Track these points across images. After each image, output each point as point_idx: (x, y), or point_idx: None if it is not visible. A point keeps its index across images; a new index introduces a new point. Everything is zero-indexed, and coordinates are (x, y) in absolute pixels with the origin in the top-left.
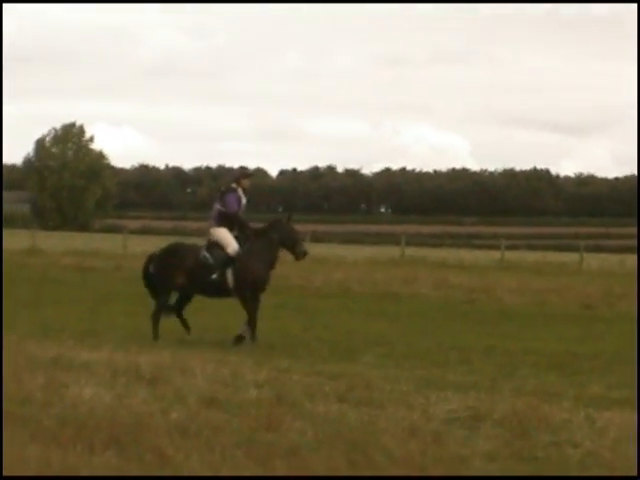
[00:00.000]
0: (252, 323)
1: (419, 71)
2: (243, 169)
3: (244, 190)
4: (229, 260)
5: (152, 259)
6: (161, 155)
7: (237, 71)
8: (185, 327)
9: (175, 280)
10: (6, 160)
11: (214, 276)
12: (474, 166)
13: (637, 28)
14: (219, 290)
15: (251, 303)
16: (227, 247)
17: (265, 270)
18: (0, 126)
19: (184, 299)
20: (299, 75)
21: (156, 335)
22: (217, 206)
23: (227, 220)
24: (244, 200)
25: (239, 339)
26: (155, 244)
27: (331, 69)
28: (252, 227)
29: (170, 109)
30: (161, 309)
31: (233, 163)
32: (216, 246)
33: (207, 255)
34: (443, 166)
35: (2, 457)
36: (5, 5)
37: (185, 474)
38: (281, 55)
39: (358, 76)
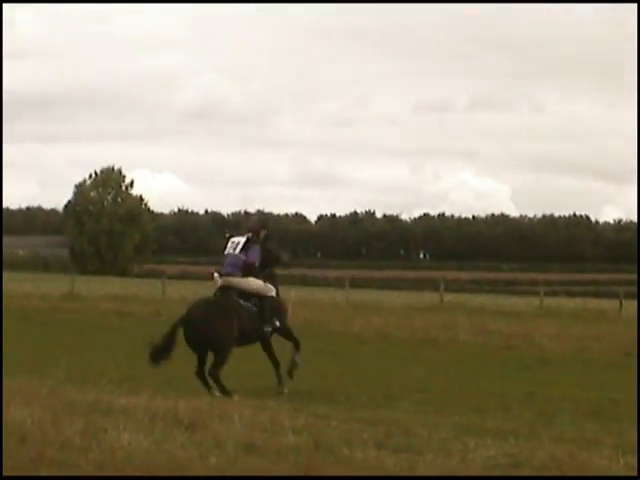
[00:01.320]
0: (298, 345)
1: (461, 116)
2: (262, 218)
3: (259, 239)
4: (275, 306)
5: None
6: (200, 200)
7: (278, 115)
8: (207, 386)
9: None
10: (47, 205)
11: (271, 327)
12: (514, 212)
13: (637, 28)
14: (265, 337)
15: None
16: (269, 292)
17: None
18: (0, 171)
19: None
20: (340, 120)
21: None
22: (242, 257)
23: (251, 270)
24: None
25: (294, 365)
26: (193, 289)
27: (373, 114)
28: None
29: (210, 153)
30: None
31: (272, 208)
32: (255, 296)
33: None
34: (483, 212)
35: (2, 457)
36: (49, 50)
37: None
38: (322, 100)
39: (400, 121)
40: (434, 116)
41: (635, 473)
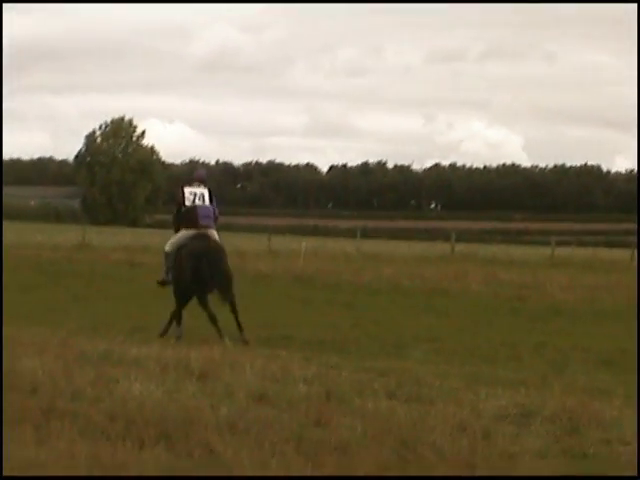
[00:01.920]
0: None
1: (473, 66)
2: (206, 170)
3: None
4: None
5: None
6: (212, 150)
7: (290, 66)
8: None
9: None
10: (58, 156)
11: None
12: (526, 162)
13: (637, 28)
14: None
15: None
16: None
17: None
18: (0, 124)
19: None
20: (352, 70)
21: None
22: (211, 208)
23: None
24: None
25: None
26: None
27: (385, 64)
28: None
29: (222, 104)
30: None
31: (283, 159)
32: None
33: None
34: (495, 162)
35: (2, 457)
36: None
37: (234, 469)
38: (334, 50)
39: (412, 71)
40: (447, 66)
41: (634, 471)
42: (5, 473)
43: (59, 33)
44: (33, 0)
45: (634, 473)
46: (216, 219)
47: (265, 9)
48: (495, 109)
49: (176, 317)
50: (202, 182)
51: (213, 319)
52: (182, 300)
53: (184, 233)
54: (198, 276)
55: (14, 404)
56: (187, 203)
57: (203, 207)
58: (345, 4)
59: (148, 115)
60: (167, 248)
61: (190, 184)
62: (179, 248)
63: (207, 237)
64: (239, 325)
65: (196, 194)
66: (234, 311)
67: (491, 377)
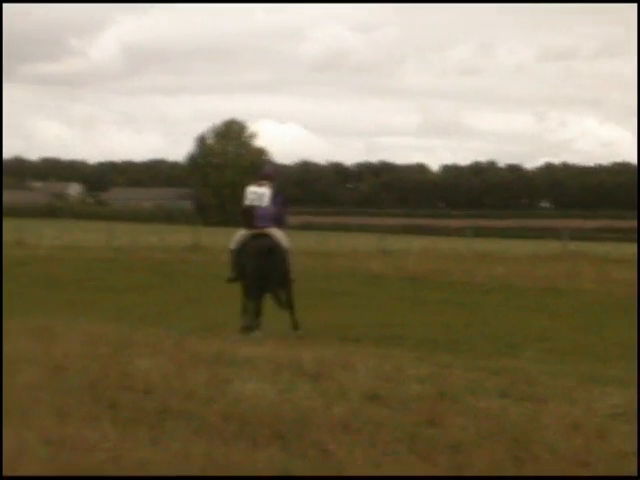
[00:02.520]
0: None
1: (586, 64)
2: (275, 166)
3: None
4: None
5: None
6: (323, 150)
7: (402, 65)
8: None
9: None
10: (171, 157)
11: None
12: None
13: (637, 28)
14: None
15: None
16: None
17: None
18: (0, 124)
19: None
20: (464, 69)
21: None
22: (271, 208)
23: (280, 221)
24: None
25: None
26: (316, 240)
27: (498, 63)
28: None
29: (334, 104)
30: None
31: (395, 158)
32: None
33: None
34: (608, 160)
35: (2, 457)
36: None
37: (347, 469)
38: (448, 49)
39: (525, 70)
40: (559, 64)
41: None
42: (120, 473)
43: (173, 35)
44: (33, 0)
45: (634, 473)
46: (279, 218)
47: (377, 9)
48: (607, 107)
49: (248, 311)
50: (268, 180)
51: (247, 310)
52: (249, 296)
53: (244, 232)
54: (256, 274)
55: (129, 404)
56: (246, 203)
57: (260, 208)
58: (456, 3)
59: (260, 116)
60: (231, 246)
61: (257, 182)
62: (241, 246)
63: (265, 236)
64: (295, 323)
65: (257, 194)
66: (290, 307)
67: (604, 376)
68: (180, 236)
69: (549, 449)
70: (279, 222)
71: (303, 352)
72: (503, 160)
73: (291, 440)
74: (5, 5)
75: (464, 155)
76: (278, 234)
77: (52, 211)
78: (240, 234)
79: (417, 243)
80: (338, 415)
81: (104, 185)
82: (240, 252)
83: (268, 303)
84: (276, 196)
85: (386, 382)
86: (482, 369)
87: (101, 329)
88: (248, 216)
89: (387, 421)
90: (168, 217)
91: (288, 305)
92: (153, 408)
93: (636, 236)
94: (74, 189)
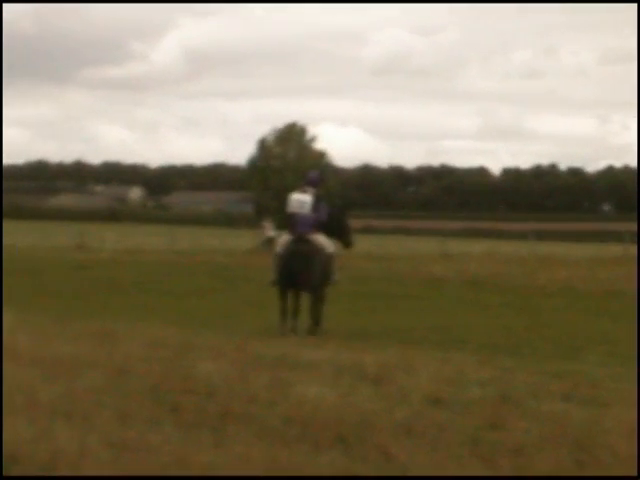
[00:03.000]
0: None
1: None
2: (321, 173)
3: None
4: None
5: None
6: (384, 154)
7: (464, 68)
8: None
9: None
10: (231, 161)
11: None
12: None
13: (637, 27)
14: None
15: None
16: (331, 248)
17: None
18: (0, 128)
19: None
20: (526, 72)
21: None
22: (313, 215)
23: (320, 227)
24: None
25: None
26: (377, 244)
27: (559, 66)
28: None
29: (395, 107)
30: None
31: (455, 162)
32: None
33: None
34: None
35: (2, 457)
36: (239, 8)
37: (410, 472)
38: (509, 53)
39: (587, 72)
40: (621, 66)
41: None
42: (183, 473)
43: (234, 38)
44: (34, 0)
45: (634, 473)
46: (320, 224)
47: (438, 11)
48: None
49: (283, 313)
50: (313, 186)
51: (284, 312)
52: (281, 297)
53: (286, 237)
54: (284, 275)
55: (191, 407)
56: (289, 210)
57: (302, 215)
58: (518, 4)
59: (321, 119)
60: (275, 250)
61: (301, 188)
62: (283, 251)
63: (303, 241)
64: (316, 322)
65: (300, 201)
66: (315, 309)
67: None
68: (241, 240)
69: (611, 452)
70: (320, 228)
71: (365, 356)
72: (564, 163)
73: (353, 443)
74: (65, 5)
75: (525, 158)
76: (320, 239)
77: (113, 215)
78: (284, 239)
79: (478, 246)
80: (400, 418)
81: (165, 189)
82: (282, 257)
83: (334, 307)
84: (318, 202)
85: (448, 385)
86: (544, 372)
87: (163, 332)
88: (291, 222)
89: (449, 424)
90: (229, 221)
91: (319, 300)
92: (215, 411)
93: None
94: (135, 193)
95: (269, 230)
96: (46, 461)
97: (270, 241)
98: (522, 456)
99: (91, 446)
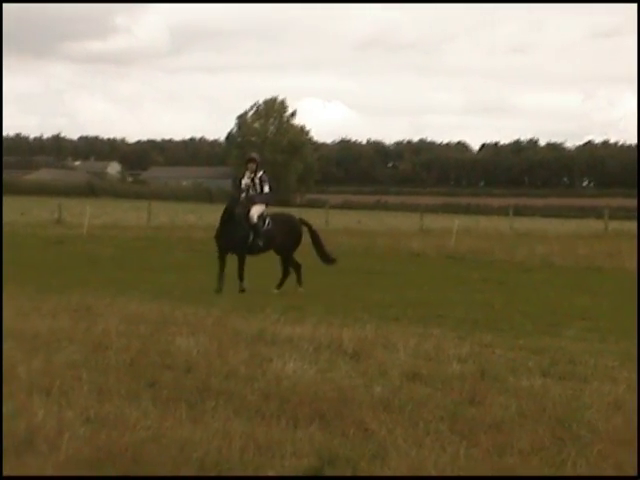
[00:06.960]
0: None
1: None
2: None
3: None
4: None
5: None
6: (366, 129)
7: (448, 43)
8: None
9: None
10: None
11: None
12: None
13: (637, 27)
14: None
15: None
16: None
17: None
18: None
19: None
20: (511, 46)
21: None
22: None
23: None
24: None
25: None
26: (356, 218)
27: (544, 41)
28: None
29: (379, 83)
30: None
31: (437, 137)
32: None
33: None
34: None
35: (2, 457)
36: None
37: (389, 448)
38: (494, 27)
39: (572, 47)
40: (609, 41)
41: (634, 471)
42: (160, 451)
43: (218, 13)
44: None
45: (634, 473)
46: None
47: None
48: None
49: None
50: (257, 162)
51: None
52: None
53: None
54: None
55: (169, 383)
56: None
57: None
58: None
59: (304, 95)
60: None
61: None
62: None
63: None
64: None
65: (247, 185)
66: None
67: None
68: (219, 215)
69: (590, 428)
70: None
71: (343, 331)
72: (548, 139)
73: (331, 419)
74: None
75: (508, 134)
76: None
77: (92, 190)
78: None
79: (457, 222)
80: (378, 394)
81: (143, 164)
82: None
83: (313, 283)
84: (261, 181)
85: (427, 361)
86: (523, 348)
87: (141, 308)
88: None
89: (428, 400)
90: (207, 196)
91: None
92: (193, 387)
93: None
94: (114, 168)
95: None
96: (24, 437)
97: None
98: (501, 432)
99: (69, 422)
